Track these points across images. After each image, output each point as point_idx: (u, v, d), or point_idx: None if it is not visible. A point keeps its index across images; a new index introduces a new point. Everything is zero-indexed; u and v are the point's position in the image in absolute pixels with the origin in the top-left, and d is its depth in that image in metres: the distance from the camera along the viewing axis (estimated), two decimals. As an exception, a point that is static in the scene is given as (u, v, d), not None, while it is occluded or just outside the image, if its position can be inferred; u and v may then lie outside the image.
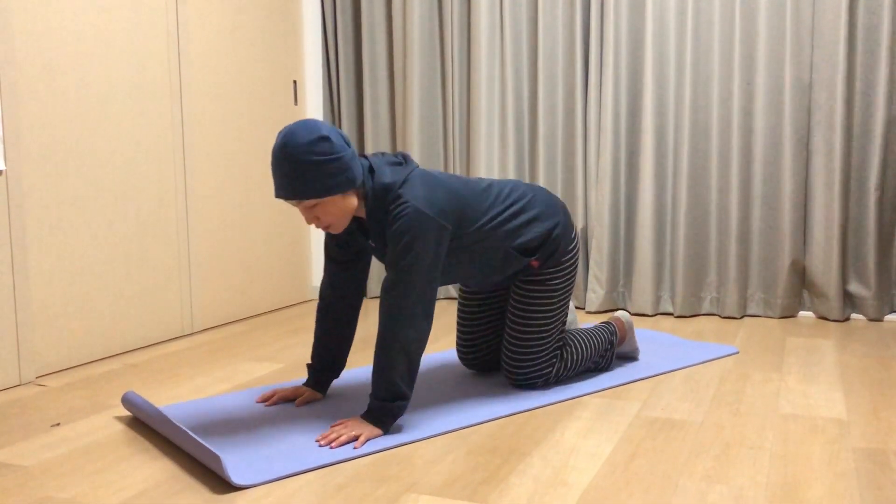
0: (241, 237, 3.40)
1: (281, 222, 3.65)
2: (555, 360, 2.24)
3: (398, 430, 1.93)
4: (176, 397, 2.28)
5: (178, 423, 1.81)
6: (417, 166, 2.03)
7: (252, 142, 3.45)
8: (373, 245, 2.03)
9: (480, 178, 2.18)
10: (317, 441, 1.85)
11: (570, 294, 2.26)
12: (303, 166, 1.81)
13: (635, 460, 1.74)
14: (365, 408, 2.10)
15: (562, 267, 2.21)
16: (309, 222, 1.93)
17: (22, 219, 2.44)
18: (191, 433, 1.74)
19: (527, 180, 3.58)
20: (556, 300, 2.21)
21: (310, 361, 2.20)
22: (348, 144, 1.89)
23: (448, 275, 2.11)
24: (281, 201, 3.64)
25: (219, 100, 3.24)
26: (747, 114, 3.24)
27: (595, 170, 3.44)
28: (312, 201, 1.86)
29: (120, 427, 2.03)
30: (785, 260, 3.23)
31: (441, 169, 3.72)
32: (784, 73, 3.16)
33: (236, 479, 1.64)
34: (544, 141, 3.48)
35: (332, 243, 2.13)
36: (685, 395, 2.22)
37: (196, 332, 3.17)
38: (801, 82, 3.16)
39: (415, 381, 1.92)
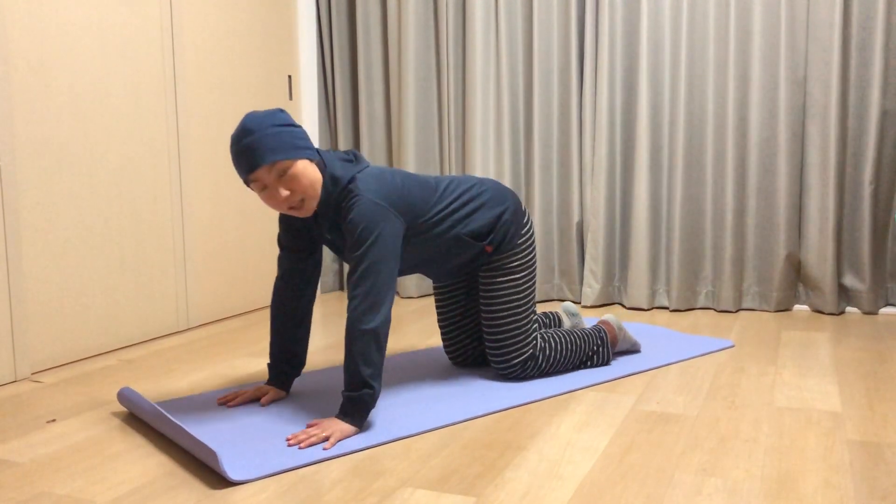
0: (237, 232, 3.40)
1: (276, 217, 3.65)
2: (533, 340, 2.27)
3: (369, 426, 1.92)
4: (172, 393, 2.28)
5: (173, 419, 1.81)
6: (368, 165, 2.06)
7: (247, 137, 3.44)
8: (328, 237, 2.05)
9: (429, 175, 2.25)
10: (287, 440, 1.82)
11: (534, 277, 2.30)
12: (269, 131, 1.83)
13: (630, 454, 1.74)
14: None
15: (517, 251, 2.26)
16: (279, 201, 1.89)
17: (16, 214, 2.44)
18: (186, 429, 1.74)
19: (522, 175, 3.58)
20: (518, 283, 2.25)
21: (269, 361, 2.19)
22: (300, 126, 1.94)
23: (406, 264, 2.16)
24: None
25: (213, 95, 3.24)
26: (742, 108, 3.24)
27: (590, 165, 3.44)
28: (283, 165, 1.85)
29: (115, 423, 2.03)
30: (780, 253, 3.24)
31: (437, 163, 3.71)
32: (779, 68, 3.16)
33: (232, 474, 1.64)
34: (539, 135, 3.48)
35: (286, 232, 2.12)
36: (680, 388, 2.22)
37: (192, 328, 3.17)
38: (795, 76, 3.16)
39: (382, 368, 1.89)
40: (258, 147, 1.83)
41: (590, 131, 3.42)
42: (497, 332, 2.25)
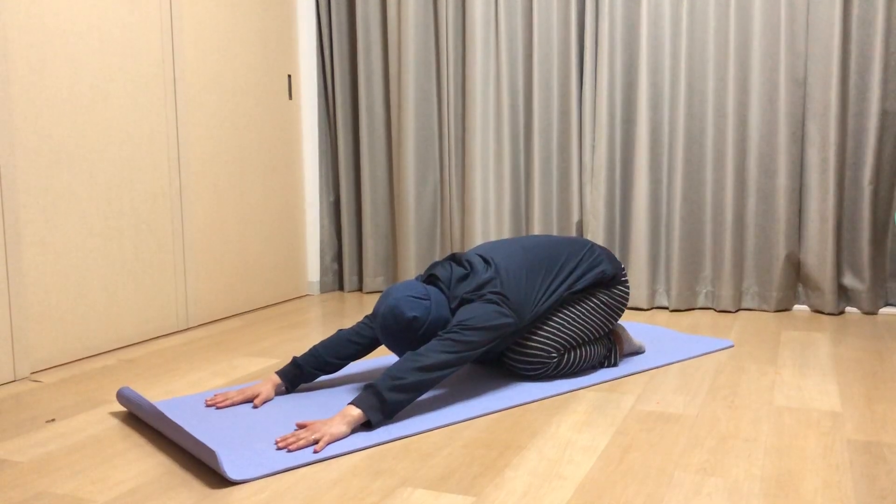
0: (237, 232, 3.40)
1: (276, 217, 3.65)
2: (562, 349, 2.28)
3: (357, 431, 1.91)
4: (171, 392, 2.28)
5: (173, 419, 1.81)
6: (487, 266, 2.21)
7: (247, 136, 3.44)
8: None
9: (539, 251, 2.34)
10: (276, 443, 1.80)
11: (608, 321, 2.38)
12: (411, 343, 2.13)
13: (630, 453, 1.74)
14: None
15: (611, 293, 2.38)
16: None
17: (16, 213, 2.44)
18: (186, 428, 1.74)
19: (522, 174, 3.57)
20: (594, 308, 2.34)
21: (298, 356, 2.21)
22: (427, 297, 2.13)
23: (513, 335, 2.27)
24: (277, 196, 3.64)
25: (213, 94, 3.24)
26: (742, 108, 3.24)
27: (590, 164, 3.44)
28: None
29: (115, 422, 2.02)
30: (780, 253, 3.24)
31: (437, 162, 3.71)
32: (779, 67, 3.16)
33: (232, 473, 1.64)
34: (539, 135, 3.47)
35: None
36: (680, 388, 2.22)
37: (191, 328, 3.16)
38: (795, 76, 3.17)
39: (405, 394, 1.92)
40: (389, 346, 2.16)
41: (589, 131, 3.42)
42: (543, 332, 2.27)
